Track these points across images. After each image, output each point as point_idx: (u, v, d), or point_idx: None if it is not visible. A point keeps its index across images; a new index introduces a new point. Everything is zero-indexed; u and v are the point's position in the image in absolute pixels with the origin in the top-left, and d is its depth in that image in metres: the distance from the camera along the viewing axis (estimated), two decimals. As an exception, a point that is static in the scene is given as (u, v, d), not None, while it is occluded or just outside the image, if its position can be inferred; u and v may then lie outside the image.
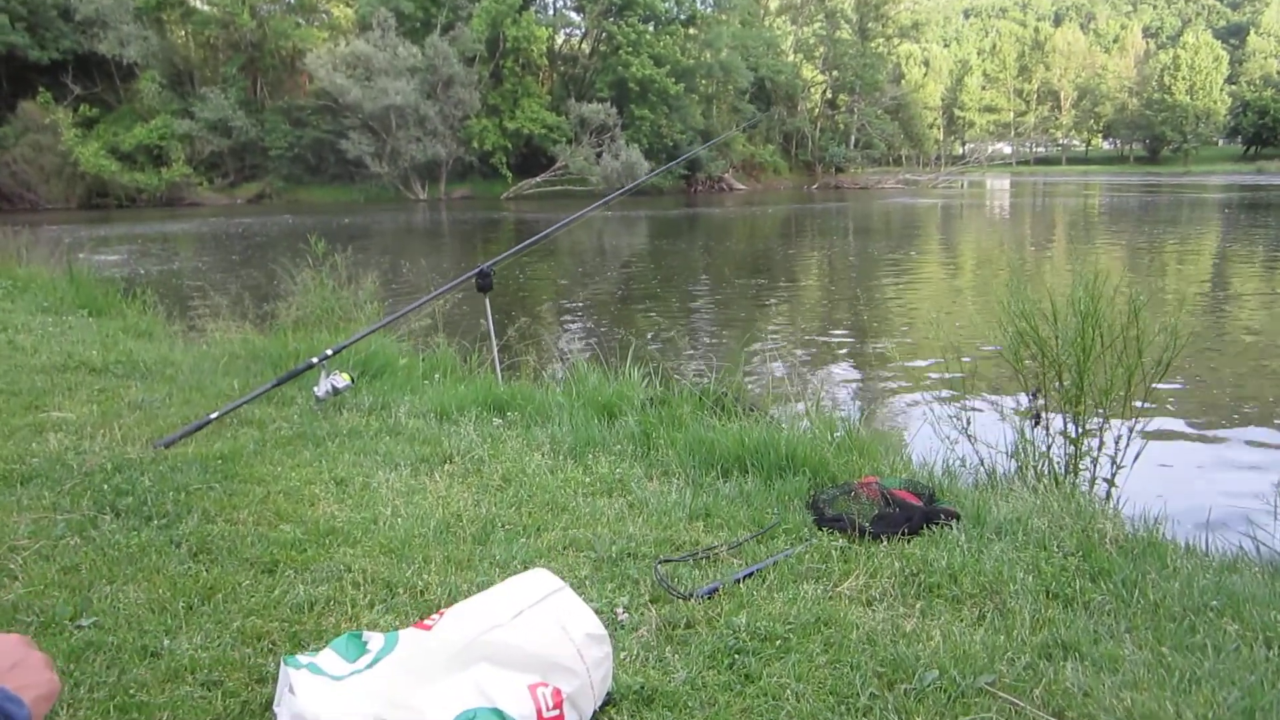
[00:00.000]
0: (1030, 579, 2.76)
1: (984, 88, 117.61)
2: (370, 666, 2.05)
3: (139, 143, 49.14)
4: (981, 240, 26.87)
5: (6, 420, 4.70)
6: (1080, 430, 3.96)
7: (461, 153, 54.06)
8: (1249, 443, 6.72)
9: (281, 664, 2.11)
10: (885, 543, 3.07)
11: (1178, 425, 7.02)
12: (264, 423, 4.63)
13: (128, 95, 52.56)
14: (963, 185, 69.68)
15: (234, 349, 6.55)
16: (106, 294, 9.93)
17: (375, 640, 2.15)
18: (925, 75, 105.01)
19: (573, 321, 12.96)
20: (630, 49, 56.25)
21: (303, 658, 2.13)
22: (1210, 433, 6.93)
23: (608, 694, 2.14)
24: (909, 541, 3.08)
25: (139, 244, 26.68)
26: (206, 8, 54.91)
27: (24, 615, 2.57)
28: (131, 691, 2.20)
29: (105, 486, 3.58)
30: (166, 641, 2.43)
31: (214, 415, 4.46)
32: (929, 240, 27.29)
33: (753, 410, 4.76)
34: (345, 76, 49.96)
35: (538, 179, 54.73)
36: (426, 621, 2.15)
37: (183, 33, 55.24)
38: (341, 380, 4.85)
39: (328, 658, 2.12)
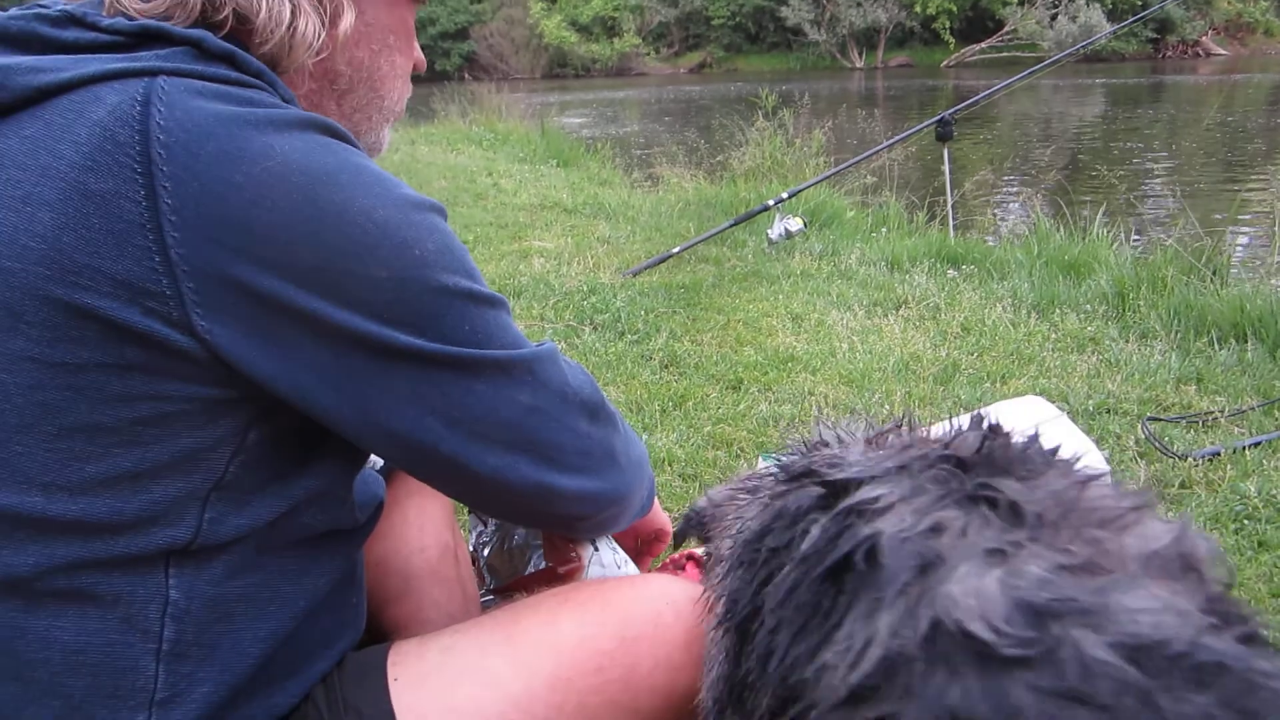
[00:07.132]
0: None
1: None
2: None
3: (595, 14, 52.35)
4: None
5: (498, 247, 5.29)
6: None
7: (902, 18, 51.69)
8: None
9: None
10: None
11: None
12: (719, 260, 4.80)
13: (588, -32, 55.89)
14: None
15: (687, 196, 6.85)
16: (572, 148, 10.77)
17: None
18: None
19: (1024, 189, 12.12)
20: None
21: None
22: None
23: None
24: None
25: (595, 108, 28.59)
26: None
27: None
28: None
29: (584, 304, 3.91)
30: (645, 436, 2.60)
31: (675, 250, 4.70)
32: None
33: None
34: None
35: (982, 45, 51.15)
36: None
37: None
38: (795, 223, 4.89)
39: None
